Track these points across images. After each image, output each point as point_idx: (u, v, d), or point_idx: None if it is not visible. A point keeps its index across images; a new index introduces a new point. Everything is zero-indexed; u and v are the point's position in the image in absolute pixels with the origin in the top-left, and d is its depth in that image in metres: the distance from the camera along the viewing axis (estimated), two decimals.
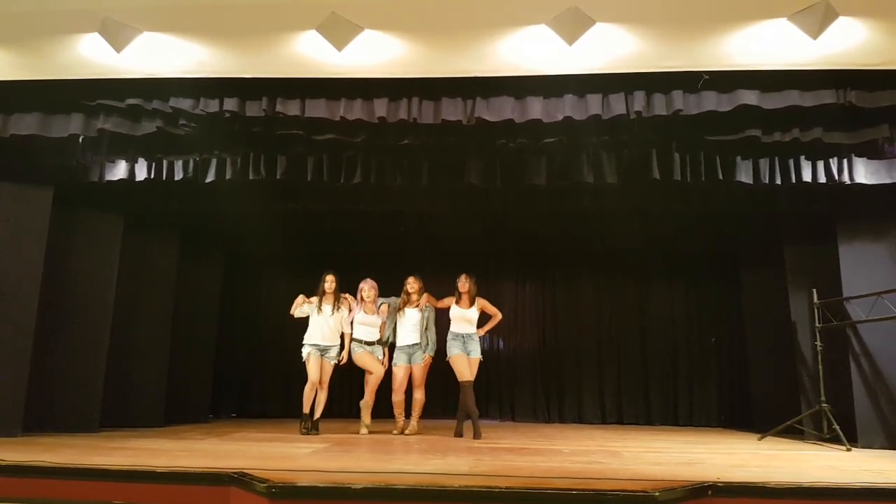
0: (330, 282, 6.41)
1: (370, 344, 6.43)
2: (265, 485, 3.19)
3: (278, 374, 8.85)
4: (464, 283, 6.36)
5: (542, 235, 8.20)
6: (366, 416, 6.41)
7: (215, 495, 3.44)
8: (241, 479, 3.37)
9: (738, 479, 3.55)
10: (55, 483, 3.57)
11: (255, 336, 9.07)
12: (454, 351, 6.18)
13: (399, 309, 6.54)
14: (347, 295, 6.52)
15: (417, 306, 6.45)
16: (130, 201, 6.60)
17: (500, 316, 6.55)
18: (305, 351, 6.26)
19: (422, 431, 6.41)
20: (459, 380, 6.12)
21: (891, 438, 5.60)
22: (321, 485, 3.25)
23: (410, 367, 6.42)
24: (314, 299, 6.37)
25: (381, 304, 6.57)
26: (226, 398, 8.76)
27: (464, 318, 6.27)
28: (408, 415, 6.53)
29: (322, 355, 6.23)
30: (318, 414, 6.19)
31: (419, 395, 6.45)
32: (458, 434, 6.10)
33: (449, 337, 6.28)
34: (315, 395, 6.21)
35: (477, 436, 5.87)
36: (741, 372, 8.16)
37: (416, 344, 6.42)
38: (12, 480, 3.59)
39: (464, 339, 6.21)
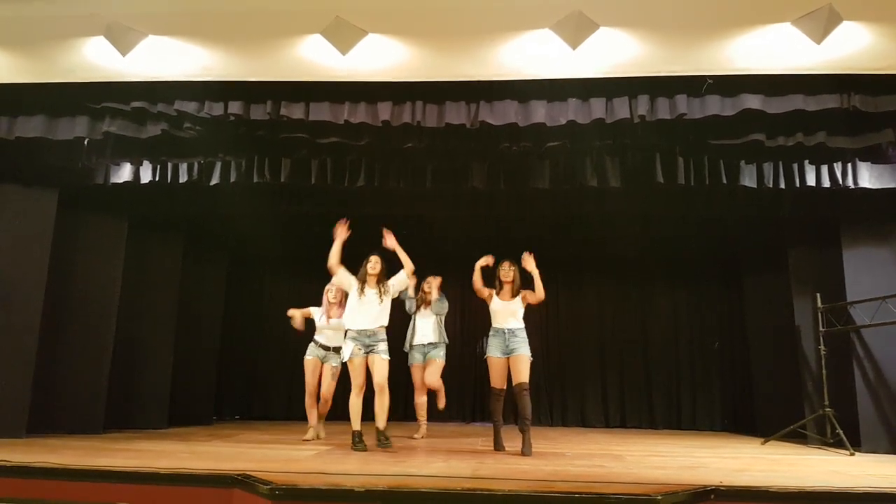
0: (374, 262, 5.31)
1: (327, 349, 5.96)
2: (268, 487, 3.20)
3: (282, 377, 8.85)
4: (507, 272, 5.36)
5: (544, 239, 8.20)
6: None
7: (219, 497, 3.45)
8: (244, 482, 3.38)
9: (741, 483, 3.54)
10: (59, 484, 3.58)
11: (259, 338, 9.08)
12: (492, 352, 5.22)
13: (416, 309, 6.51)
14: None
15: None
16: (135, 204, 6.62)
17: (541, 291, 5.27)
18: (347, 349, 5.14)
19: (427, 434, 6.39)
20: (491, 384, 5.25)
21: (894, 443, 5.58)
22: (324, 487, 3.25)
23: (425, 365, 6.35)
24: (353, 281, 5.29)
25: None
26: (230, 400, 8.77)
27: (506, 310, 5.25)
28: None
29: (368, 351, 5.12)
30: (383, 424, 5.09)
31: (422, 398, 6.39)
32: (498, 447, 5.24)
33: (490, 333, 5.33)
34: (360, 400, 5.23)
35: (497, 446, 5.23)
36: (744, 376, 8.14)
37: (432, 343, 6.37)
38: (17, 481, 3.61)
39: (505, 335, 5.19)
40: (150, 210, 6.76)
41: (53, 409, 5.93)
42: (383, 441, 5.03)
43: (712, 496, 3.28)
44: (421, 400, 6.42)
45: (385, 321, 5.26)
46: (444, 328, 6.50)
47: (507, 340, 5.18)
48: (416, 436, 6.23)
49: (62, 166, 5.72)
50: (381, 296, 5.25)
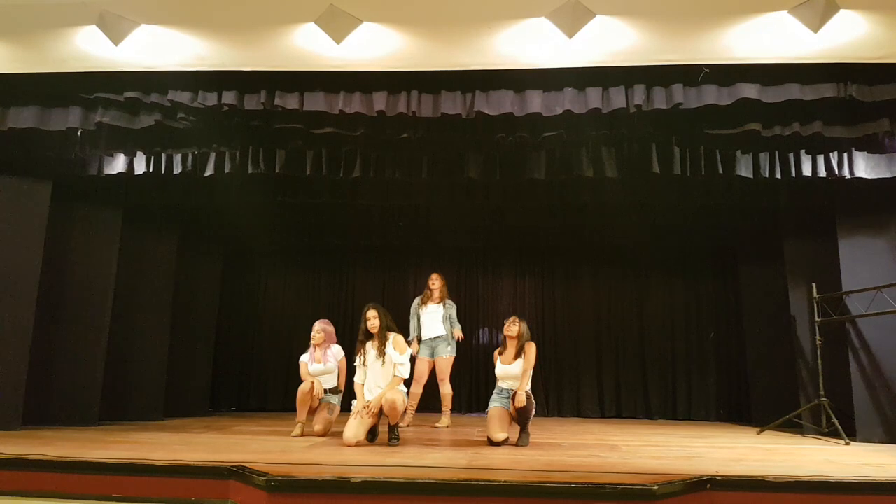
0: (372, 316, 5.06)
1: (325, 391, 5.76)
2: (264, 478, 3.19)
3: (278, 368, 8.85)
4: (510, 327, 5.20)
5: (541, 230, 8.21)
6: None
7: (214, 489, 3.45)
8: (240, 473, 3.38)
9: (737, 472, 3.55)
10: (54, 476, 3.57)
11: (255, 330, 9.07)
12: (493, 404, 5.18)
13: (422, 304, 6.74)
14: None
15: (440, 302, 6.68)
16: (129, 195, 6.59)
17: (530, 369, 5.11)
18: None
19: (421, 423, 6.40)
20: (488, 435, 5.02)
21: (889, 432, 5.59)
22: (320, 478, 3.25)
23: (433, 361, 6.54)
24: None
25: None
26: (225, 392, 8.77)
27: (508, 375, 5.14)
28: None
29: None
30: (394, 420, 4.96)
31: (446, 389, 6.53)
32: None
33: (494, 391, 5.27)
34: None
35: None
36: (740, 366, 8.17)
37: (439, 337, 6.57)
38: (12, 474, 3.60)
39: (508, 392, 5.12)
40: (144, 201, 6.73)
41: (49, 401, 5.93)
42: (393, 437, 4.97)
43: (708, 486, 3.29)
44: (446, 390, 6.55)
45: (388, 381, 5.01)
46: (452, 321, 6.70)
47: (509, 394, 5.08)
48: (437, 425, 6.34)
49: (56, 157, 5.69)
50: (383, 357, 4.99)
